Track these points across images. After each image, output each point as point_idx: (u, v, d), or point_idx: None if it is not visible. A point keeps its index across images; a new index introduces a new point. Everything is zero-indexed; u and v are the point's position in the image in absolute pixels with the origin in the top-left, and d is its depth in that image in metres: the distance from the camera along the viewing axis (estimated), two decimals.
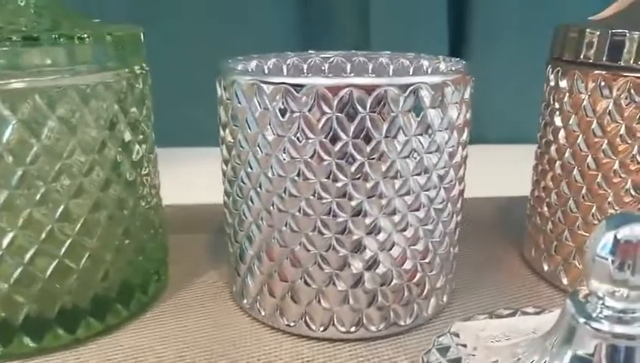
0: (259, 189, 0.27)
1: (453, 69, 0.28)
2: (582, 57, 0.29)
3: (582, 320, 0.19)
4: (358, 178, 0.25)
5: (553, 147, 0.32)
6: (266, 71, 0.32)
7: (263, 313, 0.29)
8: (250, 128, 0.26)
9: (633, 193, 0.28)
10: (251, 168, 0.27)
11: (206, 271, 0.35)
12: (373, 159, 0.25)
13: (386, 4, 0.60)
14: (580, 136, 0.30)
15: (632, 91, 0.27)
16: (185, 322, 0.30)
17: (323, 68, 0.33)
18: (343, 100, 0.24)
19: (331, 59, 0.33)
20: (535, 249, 0.34)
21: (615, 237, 0.18)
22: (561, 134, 0.31)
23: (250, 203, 0.27)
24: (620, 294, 0.18)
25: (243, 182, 0.27)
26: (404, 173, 0.25)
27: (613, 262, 0.18)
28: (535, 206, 0.34)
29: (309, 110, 0.24)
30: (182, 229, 0.40)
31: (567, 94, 0.30)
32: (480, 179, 0.52)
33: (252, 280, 0.29)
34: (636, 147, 0.28)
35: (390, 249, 0.26)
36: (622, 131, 0.28)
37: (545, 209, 0.33)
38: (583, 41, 0.29)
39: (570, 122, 0.30)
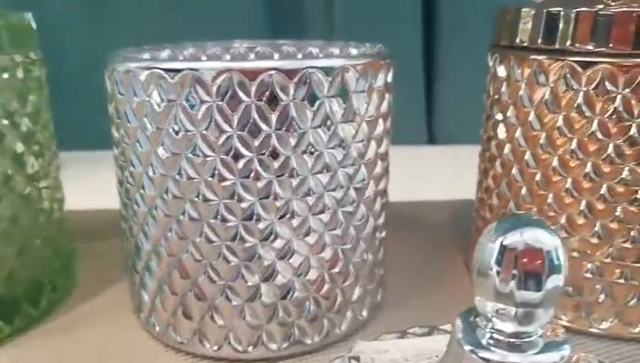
0: (142, 190, 0.24)
1: (363, 53, 0.25)
2: (517, 40, 0.26)
3: (467, 347, 0.15)
4: (247, 177, 0.22)
5: (493, 143, 0.29)
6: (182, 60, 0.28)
7: (157, 329, 0.26)
8: (129, 122, 0.23)
9: (575, 194, 0.25)
10: (133, 166, 0.24)
11: (116, 282, 0.32)
12: (263, 155, 0.22)
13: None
14: (519, 129, 0.27)
15: (569, 76, 0.24)
16: (82, 336, 0.27)
17: (248, 58, 0.30)
18: (222, 87, 0.21)
19: (257, 48, 0.30)
20: None
21: (501, 243, 0.14)
22: (500, 128, 0.28)
23: (135, 206, 0.24)
24: (508, 313, 0.14)
25: (129, 183, 0.24)
26: (301, 171, 0.22)
27: (498, 273, 0.14)
28: (478, 210, 0.31)
29: (186, 99, 0.21)
30: (94, 236, 0.37)
31: (505, 83, 0.27)
32: (445, 181, 0.49)
33: (145, 293, 0.26)
34: (575, 141, 0.25)
35: (290, 257, 0.23)
36: (560, 122, 0.25)
37: (488, 213, 0.30)
38: (518, 23, 0.26)
39: (509, 114, 0.27)
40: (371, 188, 0.25)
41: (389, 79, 0.25)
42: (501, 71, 0.27)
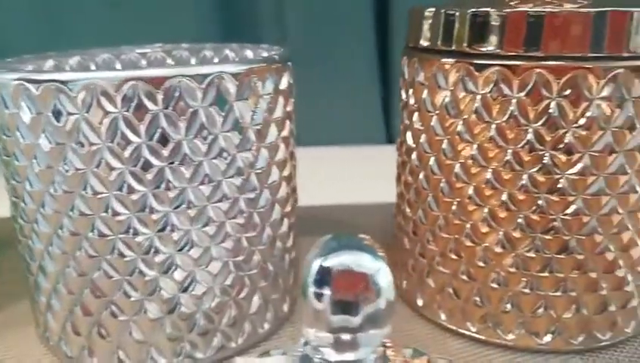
0: (42, 209, 0.22)
1: (263, 56, 0.24)
2: (421, 42, 0.25)
3: None
4: (159, 187, 0.21)
5: (404, 149, 0.28)
6: (67, 69, 0.28)
7: (70, 354, 0.25)
8: (23, 138, 0.22)
9: (512, 207, 0.23)
10: (31, 185, 0.22)
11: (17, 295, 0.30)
12: (173, 163, 0.21)
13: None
14: (423, 135, 0.26)
15: (466, 79, 0.23)
16: None
17: (140, 64, 0.29)
18: (127, 96, 0.20)
19: (149, 54, 0.29)
20: (406, 277, 0.29)
21: (320, 265, 0.14)
22: (408, 133, 0.27)
23: (36, 226, 0.23)
24: (329, 340, 0.14)
25: (25, 202, 0.23)
26: (214, 177, 0.22)
27: (316, 296, 0.14)
28: (396, 215, 0.30)
29: (88, 111, 0.20)
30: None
31: (411, 86, 0.26)
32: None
33: (53, 318, 0.24)
34: (475, 146, 0.24)
35: (208, 265, 0.23)
36: (461, 127, 0.24)
37: (402, 219, 0.29)
38: (421, 24, 0.25)
39: (414, 118, 0.26)
40: (284, 188, 0.25)
41: (285, 82, 0.25)
42: (408, 74, 0.26)
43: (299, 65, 0.63)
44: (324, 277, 0.13)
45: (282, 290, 0.27)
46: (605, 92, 0.22)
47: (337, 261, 0.13)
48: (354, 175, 0.51)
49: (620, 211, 0.23)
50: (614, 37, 0.21)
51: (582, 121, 0.22)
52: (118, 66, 0.29)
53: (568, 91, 0.22)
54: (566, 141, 0.22)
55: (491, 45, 0.23)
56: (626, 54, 0.22)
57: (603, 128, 0.22)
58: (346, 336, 0.13)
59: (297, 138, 0.70)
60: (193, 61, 0.29)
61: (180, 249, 0.22)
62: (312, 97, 0.62)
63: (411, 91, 0.26)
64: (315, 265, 0.13)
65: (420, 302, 0.28)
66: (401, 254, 0.29)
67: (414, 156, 0.26)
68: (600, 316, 0.25)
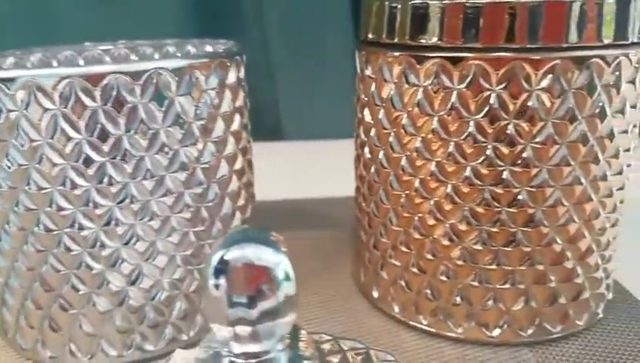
0: None
1: (206, 51, 0.25)
2: (369, 35, 0.25)
3: None
4: (101, 182, 0.22)
5: (358, 142, 0.28)
6: (29, 67, 0.28)
7: (25, 346, 0.25)
8: None
9: (457, 199, 0.23)
10: None
11: None
12: (115, 158, 0.21)
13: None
14: (373, 128, 0.26)
15: (408, 71, 0.23)
16: None
17: (104, 61, 0.29)
18: (65, 93, 0.20)
19: (112, 51, 0.30)
20: (364, 270, 0.29)
21: (221, 257, 0.14)
22: (361, 127, 0.27)
23: None
24: (235, 333, 0.14)
25: None
26: (157, 171, 0.22)
27: (216, 288, 0.14)
28: (359, 218, 0.29)
29: (26, 108, 0.21)
30: None
31: (361, 79, 0.26)
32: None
33: (8, 312, 0.25)
34: (419, 139, 0.24)
35: (154, 259, 0.23)
36: (405, 120, 0.24)
37: (358, 212, 0.29)
38: (370, 16, 0.25)
39: (365, 112, 0.26)
40: (235, 182, 0.25)
41: (232, 77, 0.25)
42: (359, 68, 0.26)
43: (280, 61, 0.63)
44: (223, 269, 0.13)
45: None
46: (544, 83, 0.22)
47: (237, 254, 0.13)
48: (338, 169, 0.51)
49: (565, 203, 0.23)
50: (552, 28, 0.21)
51: (559, 112, 0.22)
52: (81, 62, 0.29)
53: (507, 83, 0.22)
54: (507, 132, 0.22)
55: (432, 37, 0.22)
56: (564, 45, 0.21)
57: (544, 120, 0.22)
58: (244, 329, 0.13)
59: (282, 133, 0.70)
60: (156, 57, 0.29)
61: (126, 243, 0.23)
62: (295, 92, 0.62)
63: (361, 85, 0.26)
64: (216, 258, 0.14)
65: (375, 295, 0.28)
66: (359, 247, 0.29)
67: (366, 149, 0.26)
68: (550, 308, 0.24)
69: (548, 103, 0.22)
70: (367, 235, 0.28)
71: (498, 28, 0.21)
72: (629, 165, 0.25)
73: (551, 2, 0.21)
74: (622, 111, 0.23)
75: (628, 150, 0.25)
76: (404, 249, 0.25)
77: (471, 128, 0.22)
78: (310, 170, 0.53)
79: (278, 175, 0.48)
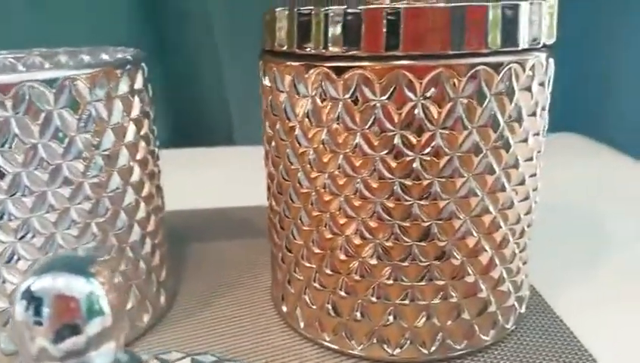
0: None
1: (116, 58, 0.24)
2: (277, 45, 0.24)
3: None
4: (14, 194, 0.21)
5: (270, 159, 0.27)
6: None
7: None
8: None
9: (350, 212, 0.23)
10: None
11: None
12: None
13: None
14: (287, 144, 0.24)
15: (326, 84, 0.22)
16: None
17: (17, 69, 0.29)
18: None
19: (25, 58, 0.29)
20: (275, 283, 0.28)
21: (29, 287, 0.13)
22: (272, 142, 0.26)
23: None
24: None
25: None
26: (36, 188, 0.22)
27: (22, 318, 0.13)
28: (270, 229, 0.29)
29: None
30: None
31: (270, 93, 0.25)
32: None
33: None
34: (341, 156, 0.23)
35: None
36: (325, 136, 0.23)
37: (274, 233, 0.28)
38: (275, 25, 0.24)
39: (277, 127, 0.25)
40: (131, 195, 0.25)
41: (139, 82, 0.24)
42: (266, 79, 0.25)
43: (229, 65, 0.62)
44: (29, 299, 0.13)
45: (157, 285, 0.27)
46: (468, 90, 0.21)
47: (45, 283, 0.13)
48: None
49: (461, 215, 0.23)
50: (437, 34, 0.20)
51: (447, 121, 0.21)
52: None
53: (391, 93, 0.21)
54: (433, 144, 0.21)
55: (317, 46, 0.22)
56: (449, 52, 0.21)
57: (431, 131, 0.21)
58: None
59: (233, 138, 0.68)
60: (46, 66, 0.29)
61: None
62: (245, 93, 0.61)
63: (270, 98, 0.25)
64: (24, 286, 0.13)
65: (284, 309, 0.27)
66: (271, 260, 0.29)
67: (281, 167, 0.25)
68: (453, 324, 0.24)
69: (471, 111, 0.21)
70: (276, 249, 0.27)
71: (379, 35, 0.21)
72: (533, 175, 0.25)
73: (436, 8, 0.20)
74: (518, 120, 0.23)
75: (529, 159, 0.24)
76: (307, 263, 0.25)
77: (396, 141, 0.22)
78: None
79: (229, 182, 0.48)
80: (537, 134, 0.24)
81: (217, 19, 0.55)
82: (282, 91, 0.24)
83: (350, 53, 0.21)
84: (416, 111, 0.21)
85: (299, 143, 0.24)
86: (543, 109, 0.24)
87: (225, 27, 0.55)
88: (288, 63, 0.23)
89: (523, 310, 0.27)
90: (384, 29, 0.20)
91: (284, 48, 0.23)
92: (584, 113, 0.57)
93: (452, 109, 0.21)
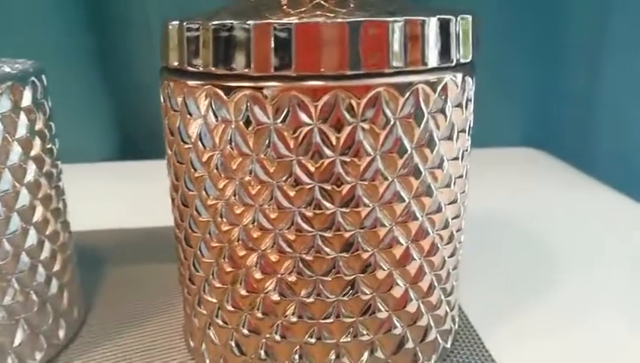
0: None
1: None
2: (171, 62, 0.22)
3: None
4: None
5: (171, 182, 0.25)
6: None
7: None
8: None
9: (250, 243, 0.21)
10: None
11: None
12: None
13: None
14: (183, 167, 0.23)
15: (217, 104, 0.21)
16: None
17: None
18: None
19: None
20: (185, 316, 0.26)
21: None
22: (171, 167, 0.24)
23: None
24: None
25: None
26: None
27: None
28: (178, 255, 0.26)
29: None
30: None
31: (166, 112, 0.23)
32: None
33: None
34: (237, 183, 0.21)
35: None
36: (217, 160, 0.21)
37: (179, 263, 0.26)
38: (168, 40, 0.22)
39: (175, 149, 0.23)
40: (16, 223, 0.23)
41: (27, 99, 0.23)
42: (162, 98, 0.23)
43: None
44: None
45: (54, 317, 0.25)
46: (368, 113, 0.20)
47: None
48: None
49: (402, 240, 0.21)
50: (371, 51, 0.19)
51: (347, 147, 0.20)
52: None
53: (327, 115, 0.20)
54: (333, 171, 0.20)
55: (239, 65, 0.20)
56: (387, 70, 0.20)
57: (370, 154, 0.20)
58: None
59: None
60: None
61: None
62: None
63: (166, 119, 0.23)
64: None
65: (192, 344, 0.25)
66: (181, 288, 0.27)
67: (179, 193, 0.24)
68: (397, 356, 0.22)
69: (374, 136, 0.20)
70: (182, 279, 0.25)
71: (311, 52, 0.19)
72: (462, 192, 0.23)
73: (370, 22, 0.19)
74: (451, 137, 0.22)
75: (460, 176, 0.23)
76: (209, 298, 0.23)
77: (294, 168, 0.20)
78: None
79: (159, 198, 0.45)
80: (456, 158, 0.23)
81: (157, 25, 0.53)
82: (176, 111, 0.22)
83: (239, 72, 0.20)
84: (313, 136, 0.20)
85: (194, 167, 0.22)
86: (462, 131, 0.23)
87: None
88: (181, 80, 0.22)
89: (457, 327, 0.25)
90: (273, 46, 0.19)
91: (176, 64, 0.22)
92: (557, 130, 0.56)
93: (351, 134, 0.20)
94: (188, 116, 0.21)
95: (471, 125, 0.24)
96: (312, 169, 0.20)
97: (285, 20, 0.19)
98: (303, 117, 0.20)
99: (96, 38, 0.55)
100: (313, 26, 0.19)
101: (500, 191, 0.45)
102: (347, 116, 0.20)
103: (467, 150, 0.24)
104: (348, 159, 0.20)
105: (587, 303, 0.30)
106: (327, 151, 0.20)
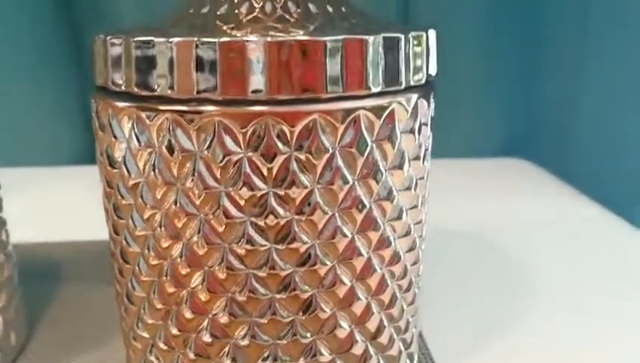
0: None
1: None
2: (110, 82, 0.20)
3: None
4: None
5: (110, 224, 0.22)
6: None
7: None
8: None
9: (183, 271, 0.20)
10: None
11: None
12: None
13: None
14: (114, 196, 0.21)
15: (140, 127, 0.19)
16: None
17: None
18: None
19: None
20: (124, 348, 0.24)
21: None
22: (113, 201, 0.22)
23: None
24: None
25: None
26: None
27: None
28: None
29: None
30: None
31: (95, 134, 0.21)
32: None
33: None
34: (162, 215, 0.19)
35: None
36: (144, 189, 0.19)
37: (115, 281, 0.24)
38: (94, 55, 0.20)
39: (117, 183, 0.21)
40: None
41: None
42: (97, 121, 0.21)
43: None
44: None
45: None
46: (303, 142, 0.18)
47: None
48: None
49: (346, 280, 0.20)
50: (306, 74, 0.17)
51: (281, 179, 0.18)
52: None
53: (258, 144, 0.18)
54: (267, 204, 0.18)
55: (161, 85, 0.18)
56: (324, 96, 0.18)
57: (307, 187, 0.18)
58: None
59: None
60: None
61: None
62: None
63: (97, 140, 0.21)
64: None
65: None
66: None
67: (110, 224, 0.22)
68: None
69: (309, 167, 0.18)
70: (118, 298, 0.23)
71: (240, 75, 0.17)
72: (418, 222, 0.21)
73: (302, 41, 0.17)
74: (401, 166, 0.20)
75: (414, 207, 0.21)
76: (150, 320, 0.21)
77: (224, 200, 0.18)
78: None
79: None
80: (408, 188, 0.21)
81: (130, 20, 0.51)
82: (103, 131, 0.20)
83: (161, 94, 0.18)
84: (242, 166, 0.18)
85: (121, 194, 0.20)
86: (416, 159, 0.21)
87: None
88: (106, 100, 0.20)
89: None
90: (196, 66, 0.17)
91: (101, 82, 0.20)
92: (541, 139, 0.55)
93: (285, 164, 0.18)
94: (113, 139, 0.20)
95: (428, 150, 0.22)
96: (242, 201, 0.18)
97: (209, 39, 0.17)
98: (231, 145, 0.18)
99: (70, 34, 0.53)
100: (239, 45, 0.17)
101: (475, 206, 0.43)
102: (279, 144, 0.18)
103: (422, 178, 0.22)
104: (282, 192, 0.18)
105: (566, 334, 0.28)
106: (259, 183, 0.18)
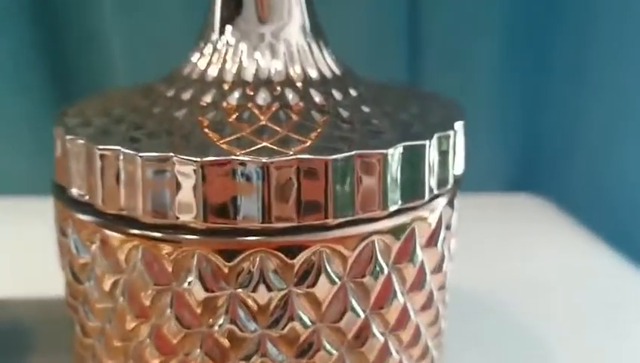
0: None
1: None
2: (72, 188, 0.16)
3: None
4: None
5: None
6: None
7: None
8: None
9: None
10: None
11: None
12: None
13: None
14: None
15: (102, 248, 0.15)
16: None
17: None
18: None
19: None
20: None
21: None
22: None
23: None
24: None
25: None
26: None
27: None
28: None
29: None
30: None
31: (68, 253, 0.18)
32: None
33: None
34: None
35: None
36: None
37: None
38: (68, 156, 0.17)
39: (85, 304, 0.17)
40: None
41: None
42: (62, 234, 0.18)
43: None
44: None
45: None
46: (305, 277, 0.15)
47: None
48: None
49: None
50: (307, 198, 0.14)
51: (276, 320, 0.15)
52: None
53: (249, 280, 0.15)
54: (259, 348, 0.15)
55: (130, 207, 0.15)
56: (330, 222, 0.14)
57: (309, 326, 0.15)
58: None
59: None
60: None
61: None
62: None
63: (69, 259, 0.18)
64: None
65: None
66: None
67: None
68: None
69: (312, 303, 0.15)
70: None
71: (223, 198, 0.14)
72: (436, 336, 0.19)
73: (306, 159, 0.14)
74: (422, 286, 0.17)
75: (433, 323, 0.18)
76: None
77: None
78: None
79: None
80: (425, 307, 0.17)
81: (117, 41, 0.47)
82: (65, 237, 0.17)
83: (131, 215, 0.15)
84: (228, 305, 0.15)
85: (87, 317, 0.17)
86: (436, 271, 0.17)
87: (126, 50, 0.48)
88: (66, 207, 0.16)
89: None
90: (171, 187, 0.14)
91: (61, 183, 0.17)
92: (547, 172, 0.52)
93: (282, 302, 0.15)
94: (75, 252, 0.16)
95: (452, 253, 0.19)
96: (227, 344, 0.15)
97: (189, 157, 0.14)
98: (214, 281, 0.14)
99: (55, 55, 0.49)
100: (226, 167, 0.14)
101: (487, 252, 0.39)
102: (274, 280, 0.14)
103: (443, 287, 0.19)
104: (277, 334, 0.15)
105: None
106: (249, 324, 0.15)
